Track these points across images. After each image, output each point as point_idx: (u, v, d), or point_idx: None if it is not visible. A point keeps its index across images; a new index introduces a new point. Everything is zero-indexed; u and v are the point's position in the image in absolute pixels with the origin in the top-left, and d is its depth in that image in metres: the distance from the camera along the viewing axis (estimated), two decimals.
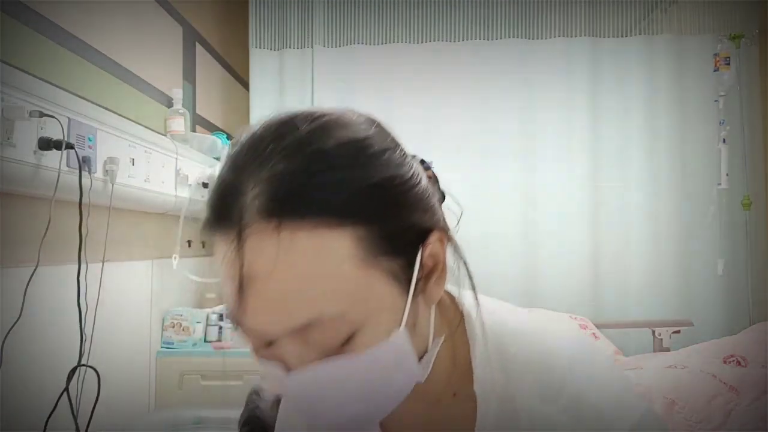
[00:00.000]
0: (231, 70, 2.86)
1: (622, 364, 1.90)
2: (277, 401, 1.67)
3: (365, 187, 0.48)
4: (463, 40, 2.55)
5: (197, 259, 2.32)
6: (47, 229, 1.24)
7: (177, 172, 1.97)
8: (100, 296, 1.45)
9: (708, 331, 2.23)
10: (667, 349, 2.15)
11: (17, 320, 1.19)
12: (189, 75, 2.37)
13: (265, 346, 0.51)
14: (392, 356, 0.50)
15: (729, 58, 2.33)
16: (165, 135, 2.07)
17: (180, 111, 2.13)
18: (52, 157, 1.29)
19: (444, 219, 0.56)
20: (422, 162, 0.60)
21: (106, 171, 1.50)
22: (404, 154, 0.55)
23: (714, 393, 1.51)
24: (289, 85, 2.58)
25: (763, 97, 2.47)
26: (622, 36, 2.49)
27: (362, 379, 0.50)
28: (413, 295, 0.50)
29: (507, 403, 0.55)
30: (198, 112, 2.46)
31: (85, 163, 1.36)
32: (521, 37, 2.53)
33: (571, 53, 2.50)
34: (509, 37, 2.53)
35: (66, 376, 1.27)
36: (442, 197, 0.60)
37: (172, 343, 2.04)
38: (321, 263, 0.46)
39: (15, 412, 1.28)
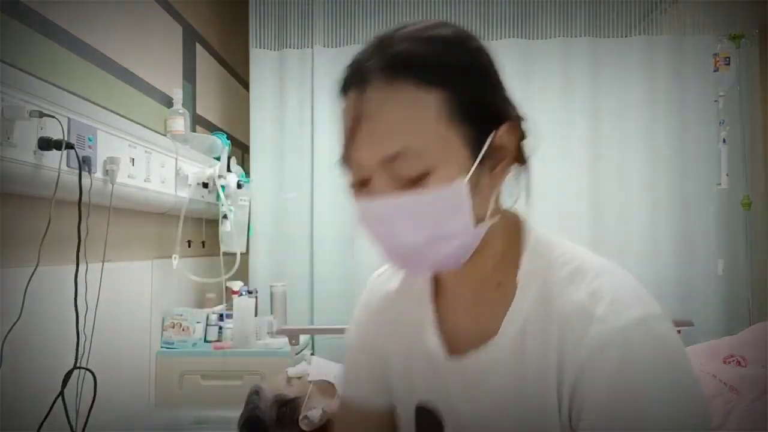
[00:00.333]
0: (231, 70, 2.86)
1: None
2: (277, 401, 1.66)
3: (460, 65, 0.64)
4: None
5: (197, 259, 2.32)
6: (47, 229, 1.25)
7: (177, 172, 1.97)
8: (100, 296, 1.45)
9: (708, 331, 2.23)
10: None
11: (17, 320, 1.19)
12: (189, 75, 2.37)
13: (360, 186, 0.66)
14: (451, 200, 0.63)
15: (729, 58, 2.33)
16: (165, 135, 2.07)
17: (180, 111, 2.13)
18: (52, 157, 1.29)
19: (518, 117, 0.69)
20: None
21: (106, 171, 1.50)
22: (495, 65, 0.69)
23: (714, 393, 1.51)
24: (289, 85, 2.58)
25: (763, 97, 2.47)
26: (621, 36, 2.49)
27: (427, 212, 0.63)
28: (481, 166, 0.64)
29: (543, 288, 0.67)
30: (198, 112, 2.46)
31: (85, 163, 1.36)
32: (521, 37, 2.53)
33: (570, 53, 2.50)
34: (509, 37, 2.53)
35: (63, 378, 1.26)
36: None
37: (172, 343, 2.04)
38: (413, 111, 0.62)
39: (15, 413, 1.28)
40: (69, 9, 1.55)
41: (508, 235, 0.71)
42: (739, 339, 1.80)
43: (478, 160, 0.63)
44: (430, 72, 0.63)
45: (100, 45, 1.69)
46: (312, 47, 2.57)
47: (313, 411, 1.50)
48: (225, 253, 2.20)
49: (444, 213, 0.63)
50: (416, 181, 0.63)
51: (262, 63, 2.58)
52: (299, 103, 2.57)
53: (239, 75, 2.93)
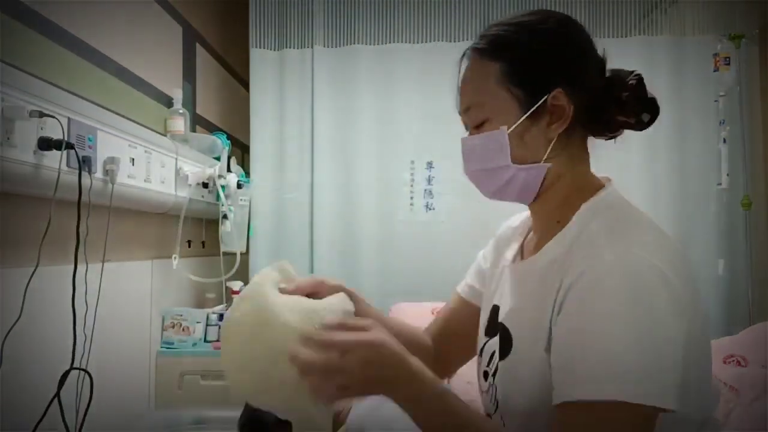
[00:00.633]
0: (231, 70, 2.86)
1: None
2: None
3: (517, 44, 0.86)
4: (463, 40, 2.55)
5: (197, 259, 2.32)
6: (47, 229, 1.24)
7: (177, 172, 1.97)
8: (100, 296, 1.45)
9: None
10: None
11: (17, 320, 1.19)
12: (189, 75, 2.37)
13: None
14: (495, 142, 0.85)
15: (729, 58, 2.32)
16: (165, 135, 2.07)
17: (180, 111, 2.13)
18: (52, 157, 1.29)
19: (581, 83, 0.85)
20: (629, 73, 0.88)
21: (106, 171, 1.50)
22: (572, 46, 0.88)
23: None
24: (289, 85, 2.58)
25: (763, 97, 2.47)
26: (621, 36, 2.49)
27: (480, 149, 0.88)
28: (533, 121, 0.84)
29: (586, 229, 0.82)
30: (198, 112, 2.46)
31: (85, 163, 1.36)
32: None
33: None
34: None
35: (59, 379, 1.26)
36: (640, 102, 0.87)
37: (172, 343, 2.04)
38: (479, 77, 0.88)
39: (15, 413, 1.28)
40: (69, 9, 1.55)
41: (580, 188, 0.88)
42: (739, 339, 1.80)
43: (525, 115, 0.84)
44: (493, 49, 0.87)
45: (100, 45, 1.69)
46: (312, 47, 2.57)
47: None
48: (225, 253, 2.20)
49: (491, 151, 0.86)
50: (479, 128, 0.88)
51: (262, 63, 2.57)
52: (299, 103, 2.57)
53: (239, 75, 2.93)
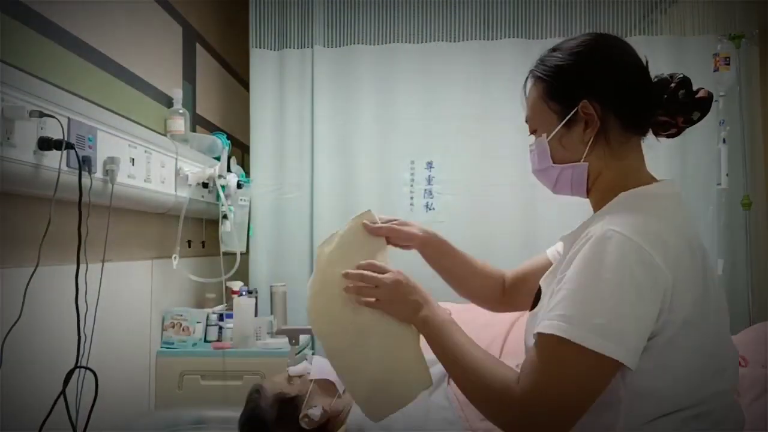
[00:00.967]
0: (231, 70, 2.86)
1: None
2: (278, 399, 1.66)
3: (555, 65, 1.01)
4: (463, 40, 2.55)
5: (197, 259, 2.32)
6: (47, 229, 1.25)
7: (177, 172, 1.97)
8: (100, 296, 1.45)
9: None
10: None
11: (17, 320, 1.19)
12: (189, 75, 2.38)
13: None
14: (540, 147, 1.03)
15: (729, 58, 2.32)
16: (165, 135, 2.07)
17: (180, 111, 2.13)
18: (52, 157, 1.30)
19: (612, 92, 0.97)
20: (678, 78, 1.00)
21: (106, 171, 1.50)
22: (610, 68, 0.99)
23: None
24: (289, 85, 2.58)
25: (763, 97, 2.47)
26: (621, 36, 2.49)
27: (534, 153, 1.06)
28: (569, 128, 0.99)
29: (609, 207, 0.96)
30: (198, 112, 2.46)
31: (85, 163, 1.36)
32: (521, 37, 2.53)
33: None
34: (509, 37, 2.53)
35: (64, 377, 1.26)
36: (686, 105, 0.99)
37: (172, 343, 2.04)
38: (532, 95, 1.05)
39: (15, 413, 1.28)
40: (69, 9, 1.55)
41: (624, 181, 0.98)
42: (739, 339, 1.79)
43: (561, 124, 0.99)
44: (538, 71, 1.04)
45: (100, 45, 1.69)
46: (312, 47, 2.57)
47: (314, 409, 1.50)
48: (225, 253, 2.20)
49: (539, 155, 1.04)
50: (534, 135, 1.06)
51: (262, 63, 2.57)
52: (299, 103, 2.57)
53: (239, 75, 2.93)
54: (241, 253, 2.21)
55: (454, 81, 2.52)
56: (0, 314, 1.21)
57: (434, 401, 1.40)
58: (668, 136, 1.02)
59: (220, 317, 2.16)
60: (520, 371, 0.90)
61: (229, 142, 2.41)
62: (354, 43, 2.57)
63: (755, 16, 2.44)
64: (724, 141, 2.32)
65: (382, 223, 1.21)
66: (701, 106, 0.99)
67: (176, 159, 1.97)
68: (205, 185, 2.16)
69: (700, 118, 1.00)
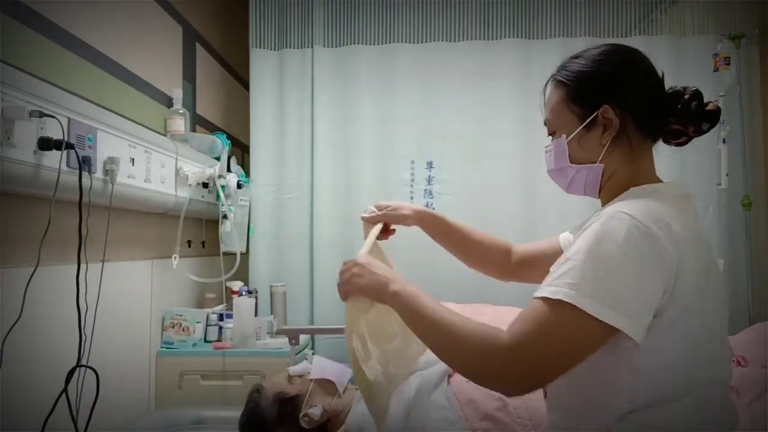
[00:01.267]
0: (231, 70, 2.86)
1: None
2: (278, 399, 1.67)
3: (576, 71, 1.07)
4: (463, 40, 2.55)
5: (197, 259, 2.32)
6: (47, 229, 1.25)
7: (177, 172, 1.97)
8: (100, 296, 1.45)
9: None
10: None
11: (17, 320, 1.19)
12: (189, 75, 2.38)
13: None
14: (559, 147, 1.08)
15: (729, 58, 2.32)
16: (165, 135, 2.07)
17: (180, 111, 2.13)
18: (52, 157, 1.30)
19: (630, 99, 1.03)
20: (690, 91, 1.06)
21: (106, 171, 1.50)
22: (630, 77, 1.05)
23: None
24: (289, 85, 2.58)
25: (763, 97, 2.47)
26: (621, 36, 2.49)
27: (552, 153, 1.10)
28: (589, 131, 1.04)
29: (617, 200, 1.00)
30: (198, 112, 2.46)
31: (85, 163, 1.36)
32: (521, 37, 2.52)
33: (570, 53, 2.50)
34: (509, 37, 2.53)
35: (66, 375, 1.26)
36: (697, 114, 1.05)
37: (172, 343, 2.04)
38: (552, 97, 1.10)
39: (15, 412, 1.28)
40: (69, 9, 1.55)
41: (634, 182, 1.03)
42: (739, 339, 1.80)
43: (581, 126, 1.04)
44: (560, 76, 1.09)
45: (100, 45, 1.69)
46: (312, 47, 2.57)
47: (314, 409, 1.50)
48: (225, 253, 2.20)
49: (556, 155, 1.09)
50: (551, 137, 1.11)
51: (262, 63, 2.57)
52: (299, 103, 2.57)
53: (239, 75, 2.93)
54: (241, 253, 2.21)
55: (454, 81, 2.52)
56: (0, 314, 1.21)
57: (434, 401, 1.40)
58: (677, 144, 1.08)
59: (220, 317, 2.16)
60: (511, 324, 0.92)
61: (229, 142, 2.41)
62: (354, 43, 2.57)
63: (755, 16, 2.45)
64: (724, 141, 2.33)
65: (378, 211, 1.36)
66: (711, 118, 1.05)
67: (176, 159, 1.97)
68: (205, 185, 2.16)
69: (709, 129, 1.06)
